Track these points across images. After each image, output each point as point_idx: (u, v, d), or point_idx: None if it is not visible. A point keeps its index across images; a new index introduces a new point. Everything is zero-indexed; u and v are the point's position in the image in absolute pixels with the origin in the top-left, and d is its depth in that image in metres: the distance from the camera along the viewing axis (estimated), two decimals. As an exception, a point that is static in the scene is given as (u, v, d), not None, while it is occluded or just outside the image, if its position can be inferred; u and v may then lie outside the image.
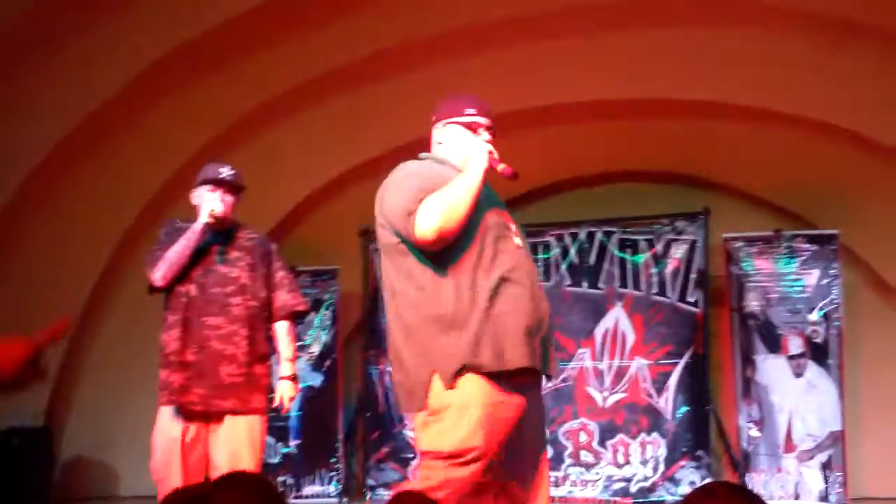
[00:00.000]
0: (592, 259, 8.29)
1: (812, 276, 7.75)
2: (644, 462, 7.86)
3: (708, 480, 7.59)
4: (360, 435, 8.71)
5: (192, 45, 7.48)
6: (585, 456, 8.00)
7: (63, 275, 8.44)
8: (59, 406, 8.79)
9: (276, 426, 8.52)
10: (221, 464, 4.42)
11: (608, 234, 8.28)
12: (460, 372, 3.23)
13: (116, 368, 8.80)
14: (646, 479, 7.80)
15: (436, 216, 3.25)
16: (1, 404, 7.70)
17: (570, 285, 8.29)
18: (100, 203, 8.42)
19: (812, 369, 7.59)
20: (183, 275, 4.51)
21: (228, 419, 4.48)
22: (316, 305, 8.72)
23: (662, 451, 7.83)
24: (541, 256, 8.33)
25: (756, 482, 7.52)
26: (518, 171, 3.39)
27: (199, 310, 4.48)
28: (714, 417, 7.81)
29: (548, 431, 7.97)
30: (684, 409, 7.86)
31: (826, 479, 7.35)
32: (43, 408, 8.55)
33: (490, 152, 3.45)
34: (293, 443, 8.60)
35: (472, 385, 3.23)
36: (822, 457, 7.44)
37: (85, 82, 7.57)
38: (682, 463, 7.76)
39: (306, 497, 8.48)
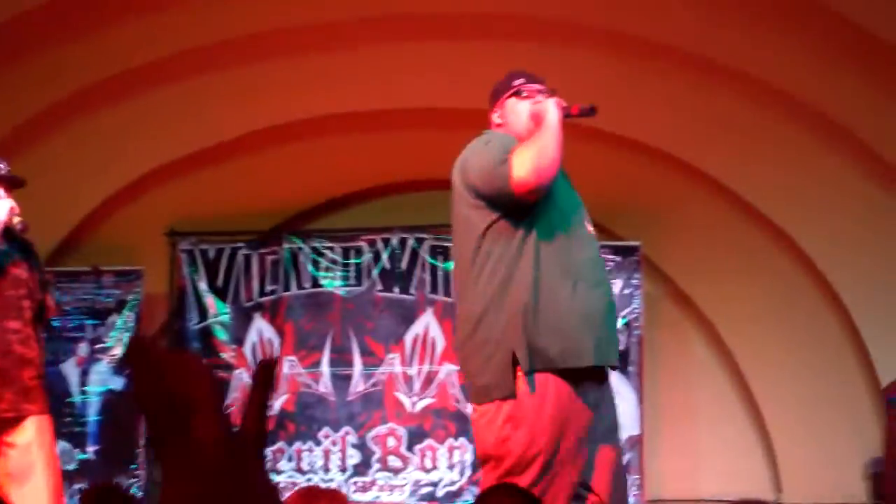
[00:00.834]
0: (404, 265, 8.34)
1: (615, 286, 8.01)
2: (451, 467, 7.96)
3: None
4: (163, 440, 8.46)
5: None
6: (393, 461, 8.03)
7: None
8: None
9: (73, 431, 8.22)
10: (36, 467, 4.29)
11: (420, 241, 8.35)
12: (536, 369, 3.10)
13: None
14: (452, 483, 7.90)
15: (530, 158, 3.17)
16: None
17: (381, 290, 8.31)
18: None
19: (614, 376, 7.80)
20: None
21: (31, 422, 4.34)
22: (119, 306, 8.46)
23: (469, 456, 7.94)
24: (352, 261, 8.34)
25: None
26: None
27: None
28: (519, 423, 7.96)
29: (356, 437, 8.01)
30: (491, 414, 7.98)
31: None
32: None
33: (557, 101, 3.30)
34: (91, 448, 8.30)
35: (547, 383, 3.12)
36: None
37: None
38: (488, 467, 7.88)
39: (105, 504, 8.19)
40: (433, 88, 7.90)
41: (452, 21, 7.41)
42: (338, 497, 2.54)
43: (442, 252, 8.31)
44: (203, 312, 8.44)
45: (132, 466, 8.30)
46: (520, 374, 3.15)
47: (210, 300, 8.44)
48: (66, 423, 8.19)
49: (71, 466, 8.19)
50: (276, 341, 8.26)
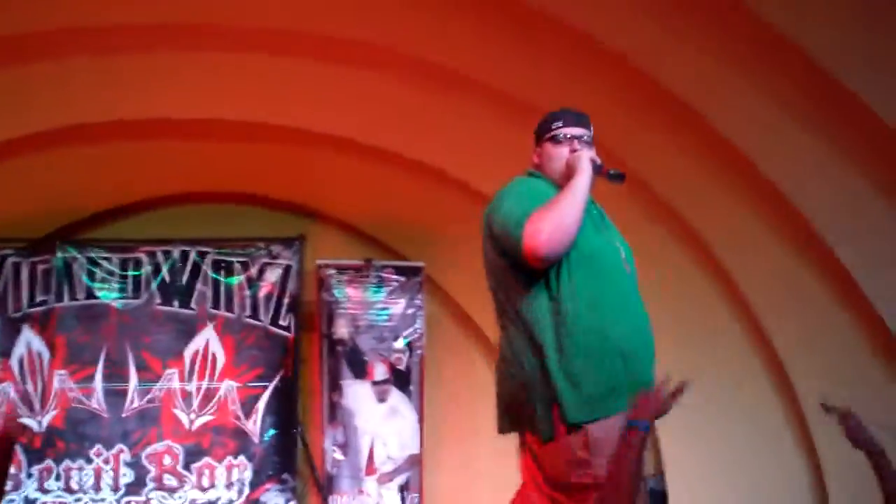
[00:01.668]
0: (185, 278, 8.17)
1: (398, 306, 8.12)
2: (229, 485, 7.83)
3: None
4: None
5: None
6: (169, 479, 7.83)
7: None
8: None
9: None
10: None
11: (202, 255, 8.20)
12: None
13: None
14: (230, 502, 7.77)
15: (545, 229, 3.14)
16: None
17: (160, 304, 8.11)
18: None
19: (395, 395, 7.94)
20: None
21: None
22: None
23: (248, 474, 7.85)
24: (130, 273, 8.10)
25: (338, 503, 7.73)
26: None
27: None
28: (301, 441, 7.95)
29: (130, 454, 7.78)
30: (272, 431, 7.93)
31: (403, 500, 7.70)
32: None
33: (591, 159, 3.24)
34: None
35: None
36: (400, 479, 7.79)
37: None
38: (268, 486, 7.82)
39: None
40: (220, 100, 7.77)
41: (239, 34, 7.31)
42: None
43: (224, 266, 8.18)
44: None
45: None
46: None
47: (-22, 309, 8.03)
48: None
49: None
50: (46, 354, 7.93)
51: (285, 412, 7.96)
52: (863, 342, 6.68)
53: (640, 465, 2.55)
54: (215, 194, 8.75)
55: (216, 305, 8.13)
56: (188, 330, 8.08)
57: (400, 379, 7.98)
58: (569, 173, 3.36)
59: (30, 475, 7.72)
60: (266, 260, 8.22)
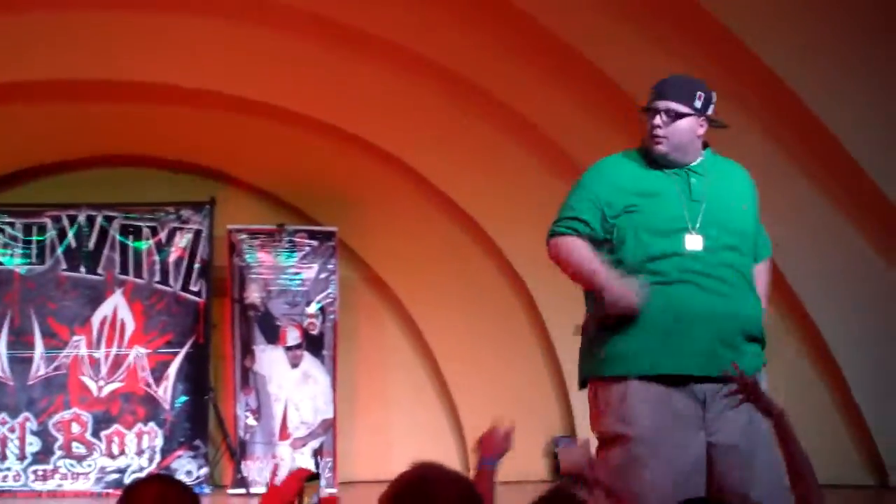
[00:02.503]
0: (92, 244, 8.02)
1: (311, 271, 8.07)
2: (140, 452, 7.74)
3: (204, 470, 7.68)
4: None
5: None
6: (77, 447, 7.71)
7: None
8: None
9: None
10: None
11: (109, 219, 8.05)
12: None
13: None
14: (141, 469, 7.68)
15: (558, 255, 3.38)
16: None
17: (66, 269, 7.95)
18: None
19: (308, 360, 7.90)
20: None
21: None
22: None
23: (160, 441, 7.76)
24: (35, 238, 7.93)
25: (251, 469, 7.69)
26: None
27: None
28: (213, 407, 7.87)
29: (36, 423, 7.63)
30: (183, 398, 7.85)
31: (317, 464, 7.68)
32: None
33: (629, 306, 3.16)
34: None
35: None
36: (314, 443, 7.78)
37: None
38: (180, 453, 7.74)
39: None
40: (127, 61, 7.61)
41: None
42: None
43: (133, 231, 8.04)
44: None
45: None
46: None
47: None
48: None
49: None
50: (-54, 322, 7.74)
51: (197, 378, 7.88)
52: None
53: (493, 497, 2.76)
54: (123, 157, 8.58)
55: (124, 271, 8.00)
56: (96, 296, 7.94)
57: (313, 344, 7.94)
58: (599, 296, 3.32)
59: (-69, 445, 7.55)
60: (175, 224, 8.09)
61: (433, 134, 7.89)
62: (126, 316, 7.94)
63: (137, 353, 7.87)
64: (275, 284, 8.03)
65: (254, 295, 7.97)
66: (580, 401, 7.52)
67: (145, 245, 8.03)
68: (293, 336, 7.91)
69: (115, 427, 7.78)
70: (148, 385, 7.83)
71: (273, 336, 7.92)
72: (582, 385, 3.39)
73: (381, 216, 8.34)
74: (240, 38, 7.40)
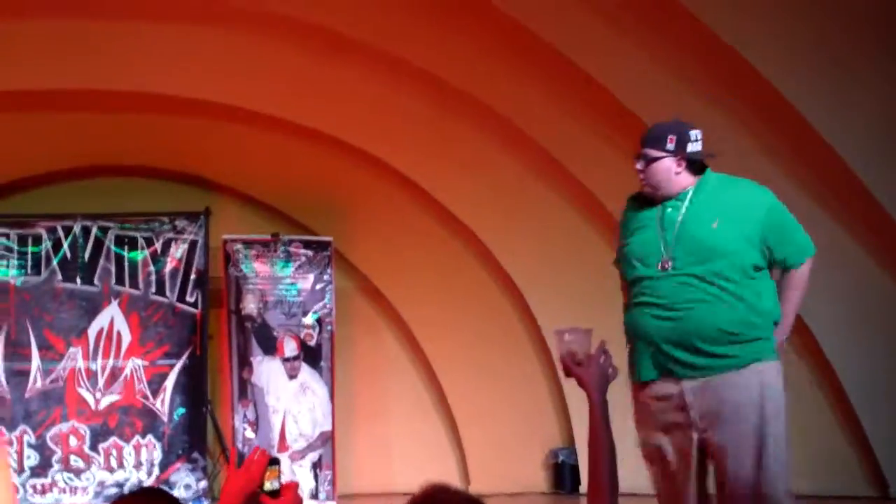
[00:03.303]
0: (87, 254, 8.00)
1: (307, 281, 8.07)
2: (138, 466, 7.74)
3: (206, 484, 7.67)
4: None
5: None
6: (75, 461, 7.71)
7: None
8: None
9: None
10: None
11: (104, 230, 8.03)
12: None
13: None
14: (140, 482, 7.67)
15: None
16: None
17: (62, 281, 7.93)
18: None
19: (306, 371, 7.91)
20: None
21: None
22: None
23: (158, 454, 7.76)
24: (30, 249, 7.91)
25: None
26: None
27: None
28: (211, 419, 7.88)
29: (34, 436, 7.63)
30: (181, 410, 7.85)
31: (316, 477, 7.70)
32: None
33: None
34: None
35: None
36: (313, 456, 7.78)
37: None
38: (178, 465, 7.75)
39: None
40: (121, 71, 7.59)
41: (138, 2, 7.13)
42: None
43: (128, 242, 8.03)
44: None
45: None
46: None
47: None
48: None
49: None
50: (-59, 334, 7.72)
51: (194, 390, 7.88)
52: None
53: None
54: (117, 168, 8.58)
55: (120, 282, 7.99)
56: (92, 307, 7.93)
57: (310, 355, 7.94)
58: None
59: (-72, 459, 7.52)
60: (170, 235, 8.08)
61: (428, 143, 7.91)
62: (122, 327, 7.93)
63: (134, 365, 7.86)
64: (271, 295, 8.03)
65: (250, 306, 7.97)
66: (579, 412, 7.57)
67: (141, 256, 8.02)
68: (290, 347, 7.91)
69: (114, 440, 7.77)
70: (145, 397, 7.82)
71: (270, 347, 7.92)
72: None
73: (376, 225, 8.35)
74: (233, 48, 7.40)
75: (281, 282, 8.07)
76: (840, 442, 7.05)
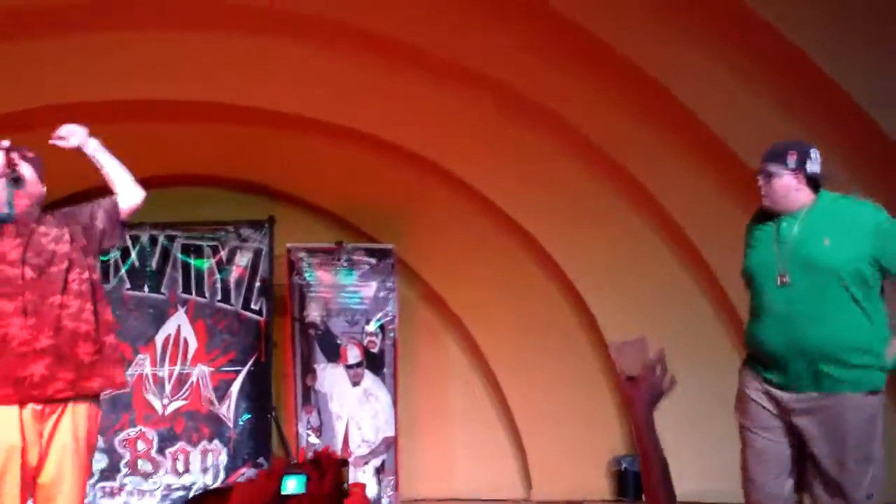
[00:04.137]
0: (155, 263, 8.13)
1: (370, 289, 8.13)
2: (205, 470, 7.84)
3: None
4: None
5: None
6: (143, 465, 7.83)
7: None
8: None
9: None
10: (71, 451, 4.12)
11: (171, 238, 8.15)
12: None
13: None
14: (206, 487, 7.77)
15: None
16: None
17: (130, 289, 8.06)
18: None
19: (369, 378, 7.97)
20: None
21: (83, 402, 4.19)
22: None
23: (224, 459, 7.85)
24: (100, 258, 8.02)
25: (313, 487, 7.74)
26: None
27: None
28: (275, 425, 7.96)
29: (103, 440, 7.74)
30: (246, 416, 7.94)
31: (379, 482, 7.75)
32: None
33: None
34: None
35: None
36: (376, 462, 7.84)
37: None
38: (244, 470, 7.83)
39: None
40: (188, 81, 7.71)
41: (207, 13, 7.24)
42: None
43: (195, 250, 8.15)
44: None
45: None
46: None
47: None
48: None
49: None
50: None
51: (259, 396, 7.96)
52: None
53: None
54: (184, 177, 8.70)
55: (187, 289, 8.10)
56: (159, 315, 8.05)
57: (373, 362, 8.00)
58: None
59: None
60: (236, 243, 8.19)
61: (493, 152, 7.93)
62: (189, 334, 8.04)
63: (200, 372, 7.97)
64: (334, 303, 8.10)
65: (314, 313, 8.05)
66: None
67: (207, 264, 8.13)
68: (353, 354, 7.98)
69: (180, 444, 7.88)
70: (211, 403, 7.93)
71: (333, 354, 7.99)
72: None
73: (439, 234, 8.38)
74: (296, 58, 7.49)
75: (344, 289, 8.14)
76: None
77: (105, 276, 8.00)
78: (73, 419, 4.18)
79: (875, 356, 3.94)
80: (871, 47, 5.99)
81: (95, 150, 4.62)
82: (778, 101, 6.39)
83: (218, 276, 8.12)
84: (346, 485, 2.20)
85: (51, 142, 4.52)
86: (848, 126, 6.22)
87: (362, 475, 7.74)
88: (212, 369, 7.97)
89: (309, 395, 7.95)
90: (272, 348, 8.09)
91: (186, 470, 7.84)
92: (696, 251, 7.44)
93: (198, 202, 8.59)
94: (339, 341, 8.01)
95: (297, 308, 8.09)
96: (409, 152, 8.03)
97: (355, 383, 7.95)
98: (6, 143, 4.37)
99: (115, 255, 8.05)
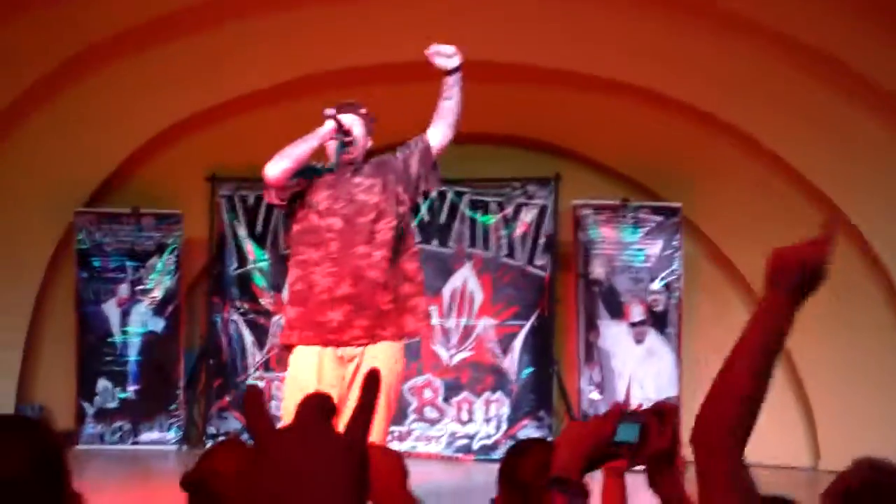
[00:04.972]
0: (443, 218, 8.36)
1: (655, 247, 8.04)
2: (487, 420, 8.04)
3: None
4: (203, 382, 8.59)
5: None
6: (430, 412, 8.11)
7: None
8: None
9: (114, 370, 8.34)
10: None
11: (459, 195, 8.36)
12: None
13: None
14: (488, 436, 7.98)
15: None
16: None
17: (419, 242, 8.30)
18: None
19: (652, 337, 7.90)
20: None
21: (383, 347, 4.58)
22: (159, 249, 8.53)
23: (506, 410, 8.03)
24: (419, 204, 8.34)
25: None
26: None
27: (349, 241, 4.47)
28: (557, 379, 8.05)
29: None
30: (529, 370, 8.07)
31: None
32: None
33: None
34: (131, 388, 8.41)
35: None
36: (657, 421, 7.77)
37: None
38: (525, 422, 7.98)
39: (143, 444, 8.31)
40: (479, 41, 7.81)
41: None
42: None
43: (481, 206, 8.32)
44: (242, 258, 8.49)
45: (171, 406, 8.41)
46: None
47: (249, 246, 8.49)
48: (106, 361, 8.32)
49: (112, 405, 8.32)
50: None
51: (541, 351, 8.08)
52: None
53: None
54: (471, 135, 8.80)
55: (473, 244, 8.30)
56: (446, 268, 8.29)
57: (657, 321, 7.93)
58: None
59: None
60: (521, 200, 8.30)
61: (792, 113, 7.63)
62: (475, 288, 8.24)
63: (485, 325, 8.16)
64: (618, 260, 8.07)
65: (598, 270, 8.05)
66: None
67: (493, 220, 8.29)
68: (637, 312, 7.93)
69: (465, 395, 8.11)
70: (495, 356, 8.10)
71: (617, 312, 7.97)
72: None
73: (727, 193, 8.15)
74: (587, 17, 7.48)
75: (629, 247, 8.09)
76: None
77: (397, 229, 8.30)
78: (373, 361, 4.39)
79: None
80: None
81: (457, 81, 4.65)
82: None
83: (503, 231, 8.26)
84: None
85: (430, 53, 4.57)
86: None
87: (643, 433, 7.69)
88: (496, 322, 8.14)
89: (591, 352, 7.98)
90: (555, 304, 8.16)
91: (470, 419, 8.06)
92: None
93: (485, 159, 8.73)
94: (622, 299, 7.98)
95: (581, 264, 8.11)
96: (698, 110, 7.86)
97: (638, 341, 7.91)
98: (331, 110, 4.59)
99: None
